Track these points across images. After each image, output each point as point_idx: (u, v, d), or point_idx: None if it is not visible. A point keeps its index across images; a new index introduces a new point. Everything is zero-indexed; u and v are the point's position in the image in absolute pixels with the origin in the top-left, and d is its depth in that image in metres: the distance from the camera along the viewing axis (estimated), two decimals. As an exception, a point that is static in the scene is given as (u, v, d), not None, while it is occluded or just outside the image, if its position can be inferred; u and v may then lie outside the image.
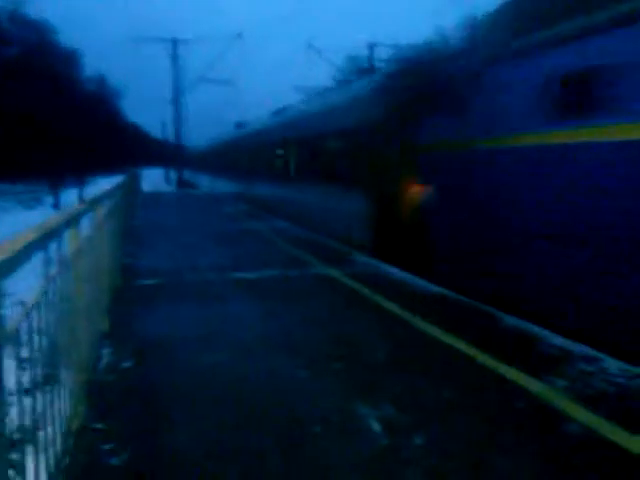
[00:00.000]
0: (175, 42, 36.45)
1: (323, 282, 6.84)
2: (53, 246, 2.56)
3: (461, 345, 4.41)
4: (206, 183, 33.89)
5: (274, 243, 10.10)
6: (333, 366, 4.01)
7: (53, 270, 2.66)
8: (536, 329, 4.80)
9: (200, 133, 50.26)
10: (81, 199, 17.40)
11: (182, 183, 36.07)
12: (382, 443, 2.93)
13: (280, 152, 15.82)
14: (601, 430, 3.02)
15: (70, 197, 30.10)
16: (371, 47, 24.98)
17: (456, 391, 3.57)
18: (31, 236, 2.17)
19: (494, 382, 3.71)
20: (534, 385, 3.62)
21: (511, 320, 5.07)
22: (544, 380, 3.69)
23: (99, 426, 3.14)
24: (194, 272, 7.46)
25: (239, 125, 28.02)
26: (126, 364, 4.08)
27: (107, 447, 2.90)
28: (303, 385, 3.70)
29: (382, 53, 26.20)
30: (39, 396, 2.28)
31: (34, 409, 2.19)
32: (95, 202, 4.46)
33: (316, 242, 10.18)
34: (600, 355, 4.11)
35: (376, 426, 3.12)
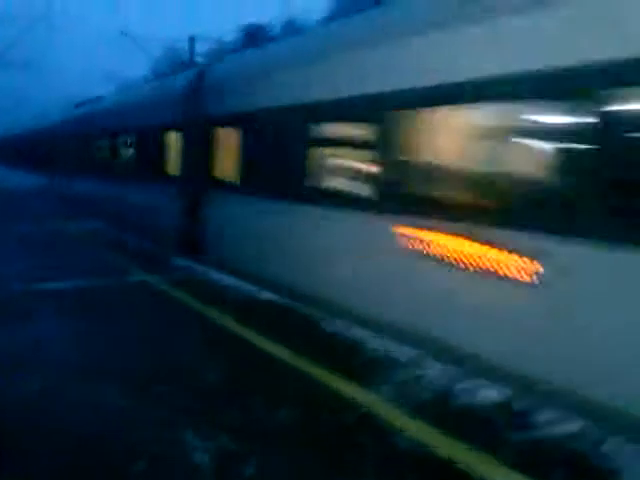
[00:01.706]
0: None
1: (143, 291, 6.39)
2: None
3: (301, 363, 4.37)
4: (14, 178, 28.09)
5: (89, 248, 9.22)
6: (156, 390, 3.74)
7: None
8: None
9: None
10: None
11: None
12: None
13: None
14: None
15: None
16: (191, 40, 24.23)
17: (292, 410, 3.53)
18: None
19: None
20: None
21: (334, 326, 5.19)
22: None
23: None
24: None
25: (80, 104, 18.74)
26: None
27: None
28: (125, 414, 3.38)
29: (202, 47, 25.66)
30: None
31: None
32: None
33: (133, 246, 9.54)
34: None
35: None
